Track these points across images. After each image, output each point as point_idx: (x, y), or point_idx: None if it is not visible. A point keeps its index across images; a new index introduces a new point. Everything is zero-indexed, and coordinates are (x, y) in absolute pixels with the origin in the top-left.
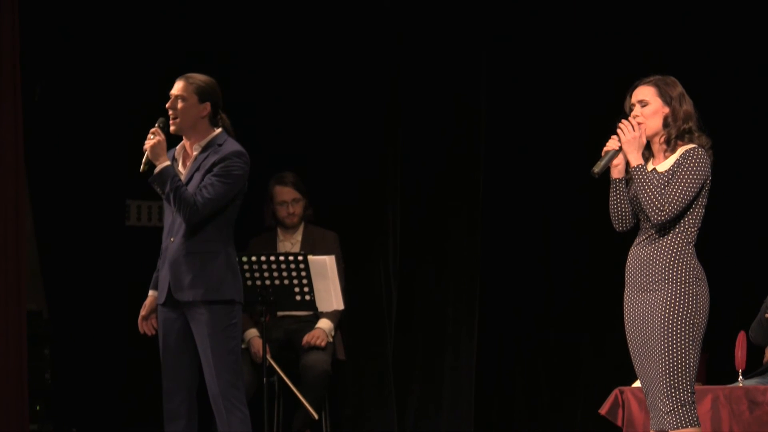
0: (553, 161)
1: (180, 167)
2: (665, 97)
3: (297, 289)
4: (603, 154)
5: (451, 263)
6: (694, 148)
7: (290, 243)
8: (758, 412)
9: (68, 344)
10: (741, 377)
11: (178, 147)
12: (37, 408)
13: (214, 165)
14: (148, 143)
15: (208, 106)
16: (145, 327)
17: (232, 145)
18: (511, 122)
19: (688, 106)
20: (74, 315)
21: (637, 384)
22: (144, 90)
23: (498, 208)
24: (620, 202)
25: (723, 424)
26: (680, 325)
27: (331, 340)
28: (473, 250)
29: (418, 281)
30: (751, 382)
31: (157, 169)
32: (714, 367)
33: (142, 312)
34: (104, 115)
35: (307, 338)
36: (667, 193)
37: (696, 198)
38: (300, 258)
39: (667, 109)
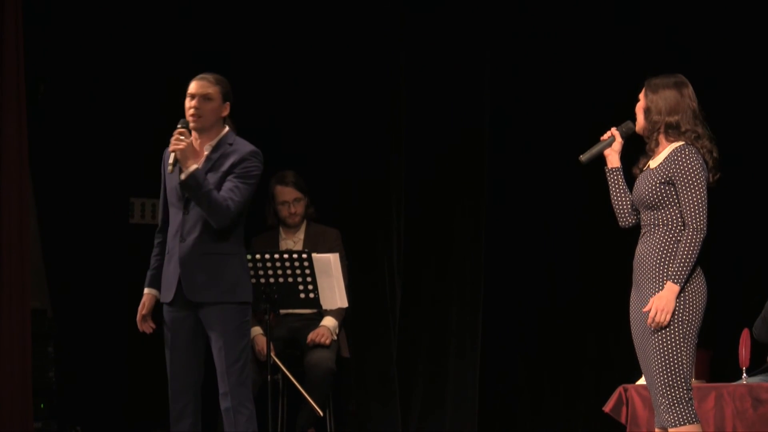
0: (556, 161)
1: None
2: (647, 93)
3: (301, 287)
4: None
5: (455, 262)
6: (681, 146)
7: (292, 241)
8: (762, 410)
9: (72, 342)
10: (745, 375)
11: None
12: (41, 406)
13: (233, 166)
14: (178, 145)
15: (227, 106)
16: (144, 326)
17: (245, 145)
18: (515, 121)
19: (678, 99)
20: (78, 313)
21: (641, 381)
22: (147, 88)
23: (502, 207)
24: (618, 195)
25: (726, 422)
26: (671, 322)
27: (335, 337)
28: (477, 249)
29: (422, 280)
30: (755, 380)
31: (188, 173)
32: (718, 364)
33: (143, 311)
34: (108, 113)
35: (312, 336)
36: (685, 211)
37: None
38: (304, 256)
39: (646, 104)
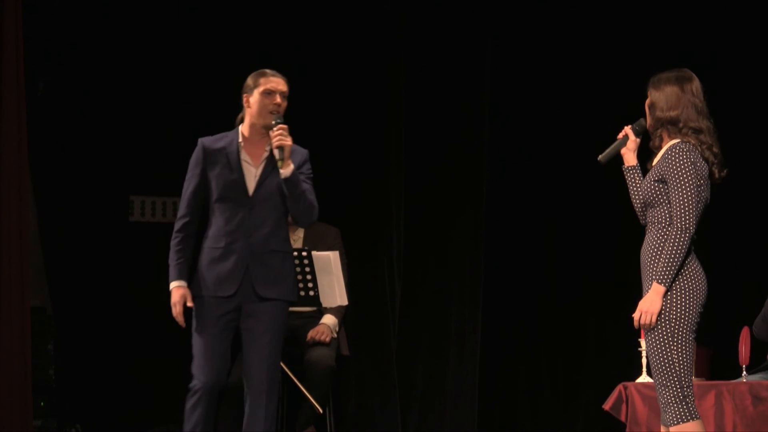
0: (556, 159)
1: (249, 160)
2: (651, 90)
3: (301, 285)
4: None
5: (455, 260)
6: (675, 144)
7: (292, 239)
8: (762, 408)
9: (72, 340)
10: (744, 372)
11: (240, 140)
12: (41, 404)
13: (298, 167)
14: (287, 141)
15: None
16: (182, 320)
17: (296, 146)
18: (515, 120)
19: (679, 95)
20: (78, 311)
21: (641, 379)
22: (147, 86)
23: (501, 205)
24: (636, 192)
25: (727, 420)
26: (660, 321)
27: (335, 335)
28: (476, 247)
29: (422, 278)
30: (755, 378)
31: (291, 170)
32: (718, 362)
33: (188, 303)
34: (108, 110)
35: (312, 334)
36: (672, 210)
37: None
38: (304, 254)
39: (651, 100)
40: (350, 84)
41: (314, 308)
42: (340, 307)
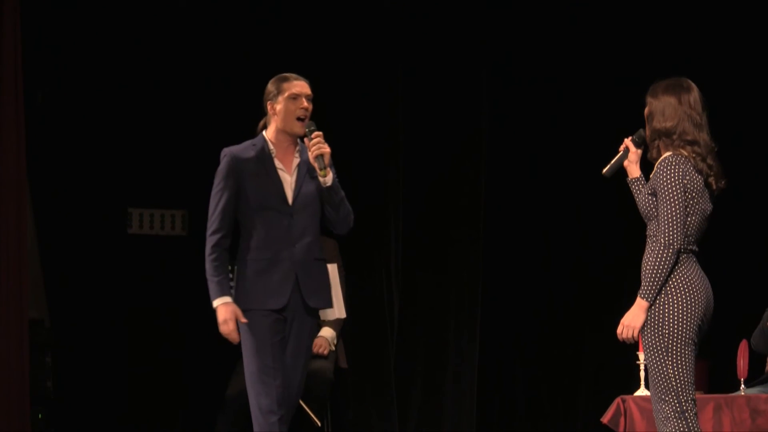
0: (555, 165)
1: (282, 167)
2: (649, 99)
3: None
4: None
5: (453, 270)
6: (666, 157)
7: None
8: (760, 421)
9: (70, 352)
10: (743, 386)
11: (271, 146)
12: (39, 416)
13: None
14: (326, 148)
15: None
16: (236, 336)
17: None
18: (513, 129)
19: (675, 106)
20: (76, 323)
21: (639, 392)
22: (146, 97)
23: (499, 214)
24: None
25: None
26: (650, 336)
27: (333, 348)
28: (475, 257)
29: (420, 288)
30: (753, 391)
31: (332, 179)
32: (716, 375)
33: (241, 319)
34: (107, 121)
35: None
36: (659, 224)
37: (687, 205)
38: None
39: (649, 109)
40: (348, 94)
41: None
42: (338, 319)
